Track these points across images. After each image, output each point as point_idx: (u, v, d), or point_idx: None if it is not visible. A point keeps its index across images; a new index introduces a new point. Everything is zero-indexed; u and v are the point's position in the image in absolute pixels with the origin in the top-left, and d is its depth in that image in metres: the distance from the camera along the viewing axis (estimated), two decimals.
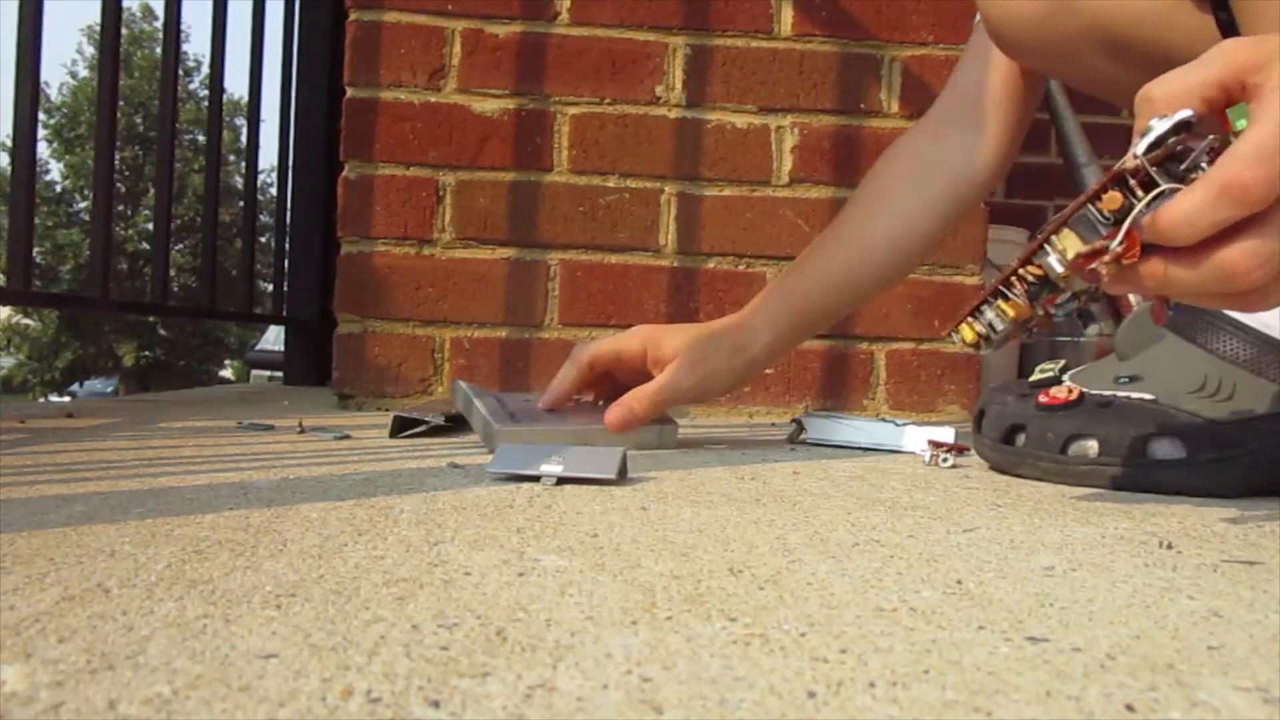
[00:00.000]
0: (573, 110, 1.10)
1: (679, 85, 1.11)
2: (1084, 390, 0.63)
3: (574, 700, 0.23)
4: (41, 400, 12.34)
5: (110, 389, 16.71)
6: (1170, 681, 0.25)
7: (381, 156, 1.08)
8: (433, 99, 1.09)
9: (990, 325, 0.48)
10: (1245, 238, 0.38)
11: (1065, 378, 0.66)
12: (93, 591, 0.31)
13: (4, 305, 1.23)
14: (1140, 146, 0.39)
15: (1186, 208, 0.38)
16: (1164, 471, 0.58)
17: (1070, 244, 0.42)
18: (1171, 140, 0.39)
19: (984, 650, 0.27)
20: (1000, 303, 0.47)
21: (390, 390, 1.08)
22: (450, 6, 1.09)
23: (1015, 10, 0.69)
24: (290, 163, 1.67)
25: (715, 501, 0.51)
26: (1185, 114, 0.39)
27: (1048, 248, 0.43)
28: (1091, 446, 0.60)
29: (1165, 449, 0.58)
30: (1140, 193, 0.40)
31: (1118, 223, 0.40)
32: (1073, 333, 1.57)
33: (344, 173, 1.09)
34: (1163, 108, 0.39)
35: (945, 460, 0.68)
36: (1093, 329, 0.50)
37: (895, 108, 1.12)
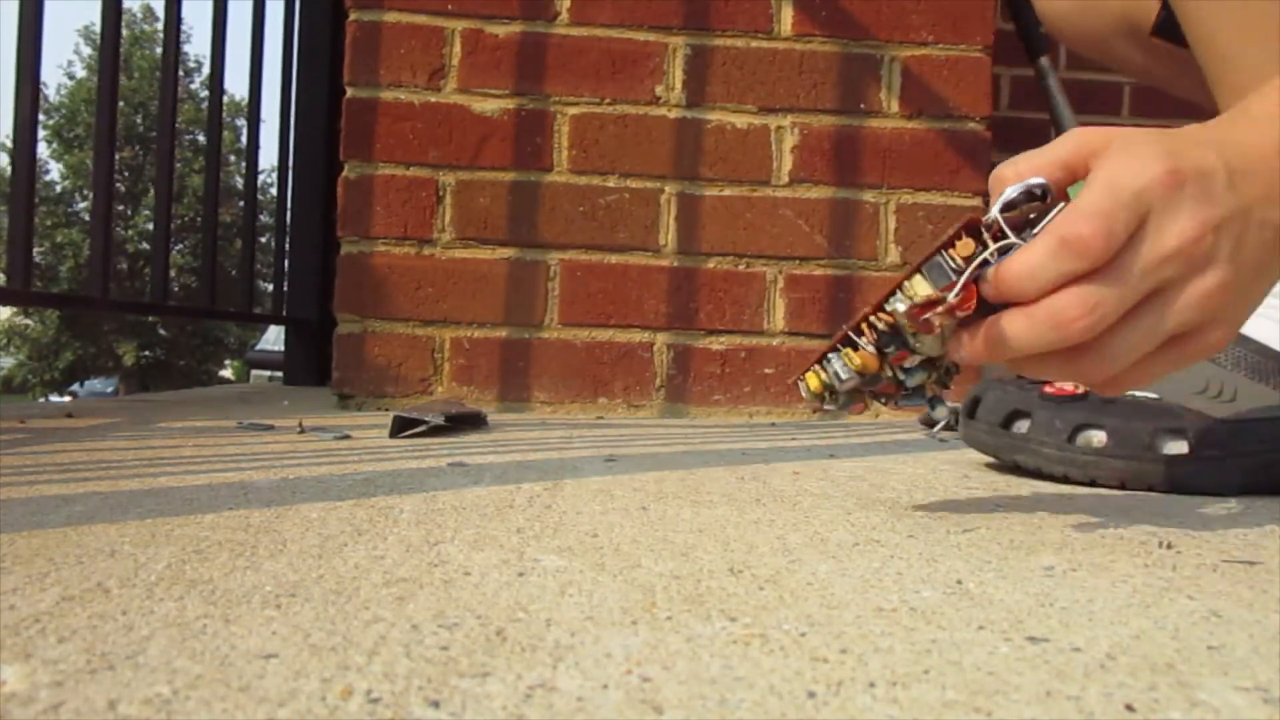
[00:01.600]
0: (573, 110, 1.10)
1: (679, 85, 1.10)
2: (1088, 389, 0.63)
3: (574, 700, 0.23)
4: (41, 400, 12.34)
5: (110, 389, 16.71)
6: (1170, 681, 0.25)
7: (381, 156, 1.08)
8: (433, 99, 1.09)
9: (836, 375, 0.44)
10: (1077, 286, 0.39)
11: None
12: (93, 591, 0.31)
13: (4, 305, 1.23)
14: (996, 206, 0.40)
15: (1030, 259, 0.39)
16: (1169, 467, 0.58)
17: (919, 289, 0.41)
18: (1024, 207, 0.40)
19: (984, 650, 0.27)
20: (848, 350, 0.44)
21: (390, 390, 1.08)
22: (450, 6, 1.09)
23: (1052, 6, 0.77)
24: (290, 163, 1.67)
25: (715, 501, 0.51)
26: (1039, 180, 0.40)
27: (899, 291, 0.42)
28: (1099, 436, 0.60)
29: (1172, 444, 0.59)
30: (991, 244, 0.40)
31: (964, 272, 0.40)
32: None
33: (344, 173, 1.09)
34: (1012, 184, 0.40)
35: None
36: (940, 412, 0.48)
37: (895, 108, 1.12)
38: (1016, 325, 0.40)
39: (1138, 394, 0.61)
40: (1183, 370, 0.59)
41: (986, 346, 0.41)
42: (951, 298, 0.40)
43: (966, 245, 0.40)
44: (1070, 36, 0.78)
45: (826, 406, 0.46)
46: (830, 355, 0.44)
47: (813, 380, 0.45)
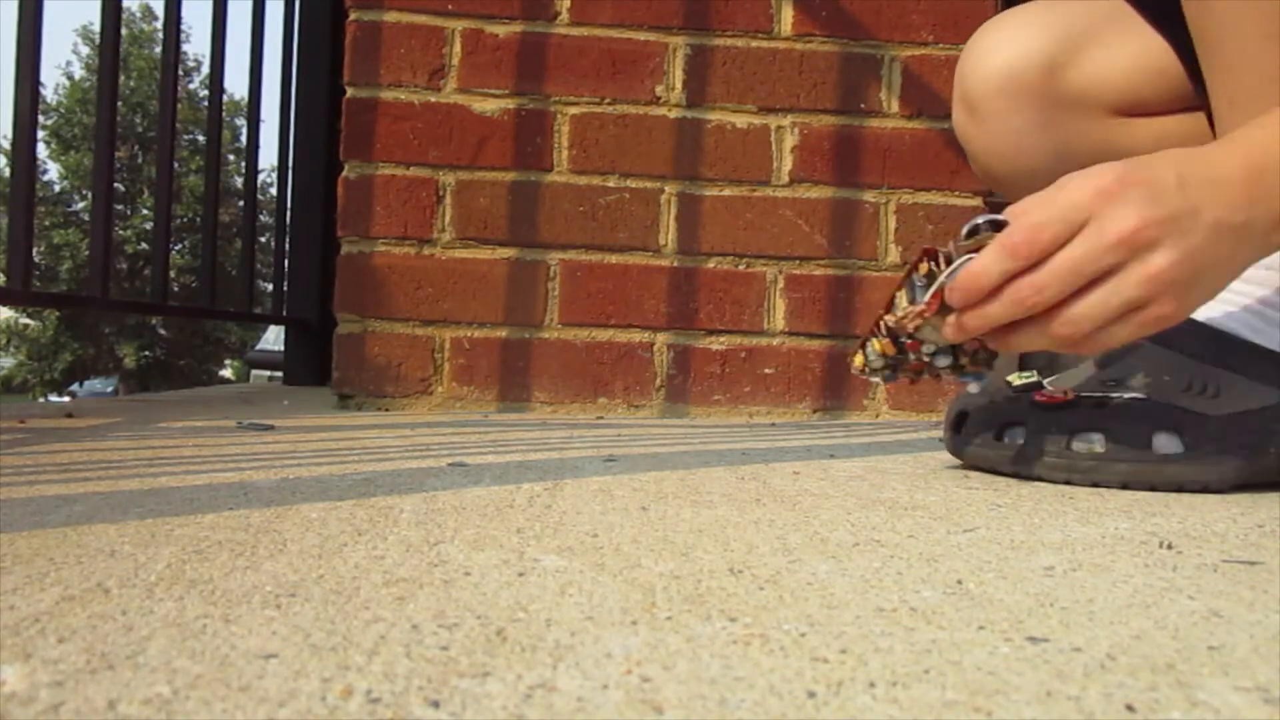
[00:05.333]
0: (573, 110, 1.10)
1: (679, 85, 1.10)
2: (1078, 392, 0.63)
3: (574, 700, 0.23)
4: (41, 400, 12.34)
5: (110, 389, 16.71)
6: (1170, 681, 0.25)
7: (381, 156, 1.08)
8: (433, 99, 1.09)
9: (868, 356, 0.58)
10: (1026, 274, 0.50)
11: (1047, 383, 0.66)
12: (93, 591, 0.31)
13: (4, 305, 1.23)
14: (962, 234, 0.52)
15: (979, 263, 0.51)
16: (1168, 466, 0.59)
17: (901, 302, 0.55)
18: (984, 234, 0.51)
19: (984, 650, 0.27)
20: (874, 339, 0.57)
21: (390, 390, 1.08)
22: (450, 6, 1.09)
23: (1025, 165, 0.76)
24: (290, 163, 1.67)
25: (715, 501, 0.51)
26: (1001, 217, 0.51)
27: (893, 301, 0.55)
28: (1097, 440, 0.60)
29: (1168, 443, 0.60)
30: (944, 266, 0.52)
31: (928, 286, 0.53)
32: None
33: (344, 173, 1.09)
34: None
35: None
36: (973, 386, 0.63)
37: (895, 107, 1.12)
38: (990, 307, 0.51)
39: (1126, 396, 0.62)
40: (1168, 372, 0.61)
41: (958, 326, 0.53)
42: (918, 306, 0.53)
43: (924, 267, 0.53)
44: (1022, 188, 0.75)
45: (873, 379, 0.59)
46: (867, 339, 0.58)
47: (857, 359, 0.59)
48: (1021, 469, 0.63)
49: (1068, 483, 0.61)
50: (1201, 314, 0.63)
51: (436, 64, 1.09)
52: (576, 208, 1.10)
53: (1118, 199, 0.48)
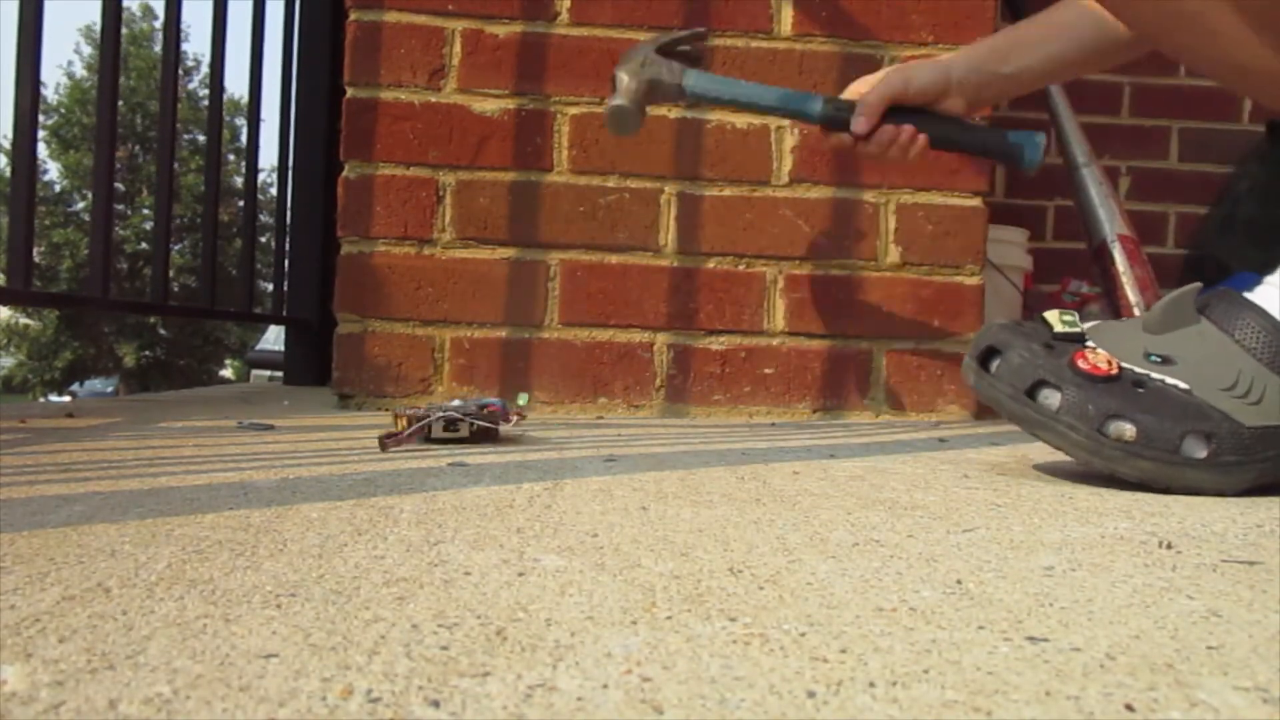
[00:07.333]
0: (573, 110, 1.10)
1: None
2: (1121, 364, 0.60)
3: (574, 700, 0.23)
4: (41, 400, 12.32)
5: (110, 389, 16.70)
6: (1170, 681, 0.25)
7: (381, 156, 1.08)
8: (433, 99, 1.09)
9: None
10: None
11: (1086, 329, 0.63)
12: (93, 591, 0.31)
13: (4, 305, 1.23)
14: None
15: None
16: (1189, 471, 0.58)
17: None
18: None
19: (984, 650, 0.27)
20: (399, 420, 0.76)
21: (390, 390, 1.08)
22: (450, 6, 1.09)
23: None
24: (290, 163, 1.67)
25: (715, 501, 0.51)
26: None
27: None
28: (1129, 431, 0.58)
29: (1195, 448, 0.58)
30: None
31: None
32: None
33: (344, 173, 1.09)
34: None
35: None
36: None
37: None
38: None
39: (1168, 381, 0.59)
40: (1217, 362, 0.59)
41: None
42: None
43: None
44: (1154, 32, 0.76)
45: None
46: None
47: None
48: (1043, 436, 0.61)
49: (1087, 465, 0.60)
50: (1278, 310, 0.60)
51: (436, 64, 1.09)
52: (576, 208, 1.10)
53: None
